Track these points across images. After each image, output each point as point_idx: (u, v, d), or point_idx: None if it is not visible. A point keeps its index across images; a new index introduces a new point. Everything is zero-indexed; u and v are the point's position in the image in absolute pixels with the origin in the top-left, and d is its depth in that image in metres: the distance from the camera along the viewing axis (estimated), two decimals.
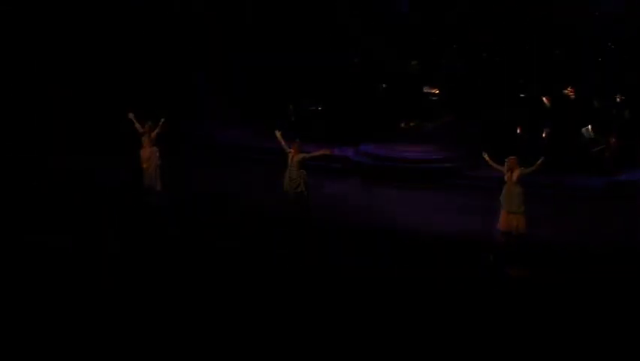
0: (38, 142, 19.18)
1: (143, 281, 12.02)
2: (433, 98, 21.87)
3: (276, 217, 15.21)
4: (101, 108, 20.38)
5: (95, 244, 13.42)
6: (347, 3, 22.11)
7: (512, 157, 14.50)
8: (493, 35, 21.00)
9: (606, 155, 18.22)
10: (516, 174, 14.34)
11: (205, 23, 22.27)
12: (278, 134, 16.10)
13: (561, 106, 19.88)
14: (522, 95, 20.39)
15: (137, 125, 16.53)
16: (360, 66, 22.19)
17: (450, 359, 9.85)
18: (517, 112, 19.79)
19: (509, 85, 20.67)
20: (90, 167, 17.98)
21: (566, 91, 19.72)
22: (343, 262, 12.77)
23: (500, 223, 14.47)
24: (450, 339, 10.13)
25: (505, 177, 14.44)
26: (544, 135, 18.99)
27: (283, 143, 15.82)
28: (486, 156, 14.91)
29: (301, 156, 15.67)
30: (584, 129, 18.99)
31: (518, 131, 19.29)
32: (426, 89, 21.87)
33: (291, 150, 15.75)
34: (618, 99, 19.42)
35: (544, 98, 19.64)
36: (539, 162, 14.47)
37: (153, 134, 16.41)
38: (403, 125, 21.42)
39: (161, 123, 16.46)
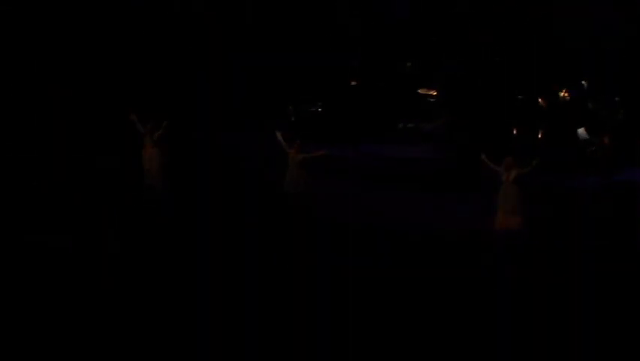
0: (38, 142, 19.19)
1: (143, 280, 12.05)
2: (431, 100, 21.93)
3: (276, 217, 15.27)
4: (101, 108, 20.41)
5: (95, 243, 13.44)
6: (347, 3, 22.14)
7: (509, 157, 14.59)
8: (493, 35, 21.05)
9: (600, 155, 18.27)
10: (513, 174, 14.40)
11: (205, 23, 22.29)
12: (279, 134, 16.16)
13: (557, 107, 19.92)
14: (519, 96, 20.45)
15: (139, 126, 16.57)
16: (360, 66, 22.23)
17: (449, 358, 9.88)
18: (514, 112, 19.86)
19: (508, 86, 20.73)
20: (90, 167, 18.02)
21: (562, 92, 19.78)
22: (343, 261, 12.79)
23: (497, 223, 14.59)
24: (449, 338, 10.16)
25: (503, 178, 14.51)
26: (540, 136, 19.05)
27: (284, 143, 15.88)
28: (483, 157, 14.96)
29: (302, 156, 15.72)
30: (579, 130, 19.05)
31: (514, 132, 19.36)
32: (424, 90, 21.92)
33: (292, 150, 15.81)
34: (613, 100, 19.47)
35: (540, 99, 19.70)
36: (535, 162, 14.56)
37: (156, 135, 16.43)
38: (401, 125, 21.47)
39: (164, 125, 16.51)
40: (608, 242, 14.46)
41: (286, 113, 21.13)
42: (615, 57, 20.72)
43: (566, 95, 19.51)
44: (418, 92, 21.10)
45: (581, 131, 18.56)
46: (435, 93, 21.16)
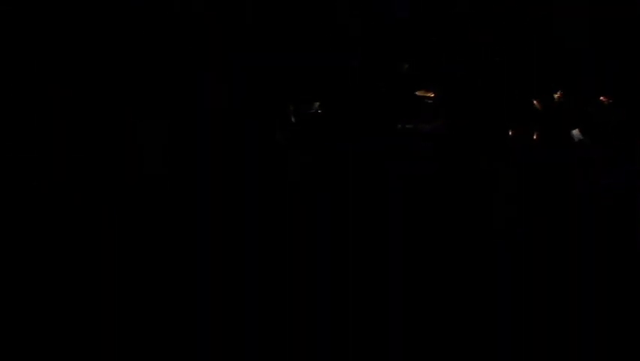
0: (38, 142, 19.20)
1: (142, 280, 12.06)
2: (429, 101, 21.99)
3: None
4: (101, 108, 20.42)
5: (95, 243, 13.45)
6: (347, 3, 22.14)
7: None
8: (493, 35, 21.07)
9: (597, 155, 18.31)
10: None
11: (205, 23, 22.29)
12: (280, 135, 16.28)
13: (552, 108, 19.96)
14: (516, 97, 20.49)
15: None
16: (360, 67, 22.25)
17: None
18: (512, 113, 19.91)
19: (507, 86, 20.79)
20: (91, 167, 18.03)
21: (557, 93, 19.84)
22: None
23: None
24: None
25: None
26: (535, 137, 19.13)
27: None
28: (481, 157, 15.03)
29: None
30: (573, 131, 19.12)
31: (510, 133, 19.45)
32: (422, 92, 21.97)
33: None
34: (609, 101, 19.51)
35: (535, 101, 19.76)
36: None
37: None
38: (400, 126, 21.55)
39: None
40: (607, 243, 14.54)
41: (286, 113, 21.14)
42: (614, 57, 20.77)
43: (560, 96, 19.54)
44: (416, 94, 21.13)
45: (576, 132, 18.61)
46: (433, 95, 21.19)
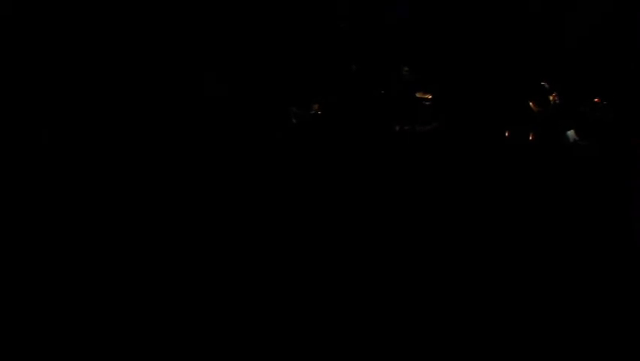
0: (39, 142, 19.22)
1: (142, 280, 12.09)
2: (427, 103, 22.02)
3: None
4: (102, 108, 20.45)
5: (96, 243, 13.47)
6: (347, 3, 22.17)
7: None
8: (492, 35, 21.10)
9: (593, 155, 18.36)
10: None
11: (207, 23, 22.30)
12: (279, 135, 16.39)
13: (546, 109, 20.00)
14: (514, 97, 20.53)
15: None
16: (360, 67, 22.29)
17: None
18: (509, 114, 19.97)
19: (506, 87, 20.82)
20: (91, 166, 18.07)
21: (552, 95, 19.87)
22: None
23: None
24: None
25: None
26: (530, 138, 19.18)
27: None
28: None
29: None
30: (568, 132, 19.17)
31: (507, 134, 19.50)
32: (421, 94, 22.00)
33: None
34: (603, 102, 19.54)
35: (530, 103, 19.80)
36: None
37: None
38: (397, 128, 21.60)
39: None
40: (605, 241, 14.60)
41: (287, 114, 21.18)
42: (607, 58, 20.81)
43: (555, 98, 19.59)
44: (415, 95, 21.17)
45: (571, 133, 18.67)
46: (430, 97, 21.23)
